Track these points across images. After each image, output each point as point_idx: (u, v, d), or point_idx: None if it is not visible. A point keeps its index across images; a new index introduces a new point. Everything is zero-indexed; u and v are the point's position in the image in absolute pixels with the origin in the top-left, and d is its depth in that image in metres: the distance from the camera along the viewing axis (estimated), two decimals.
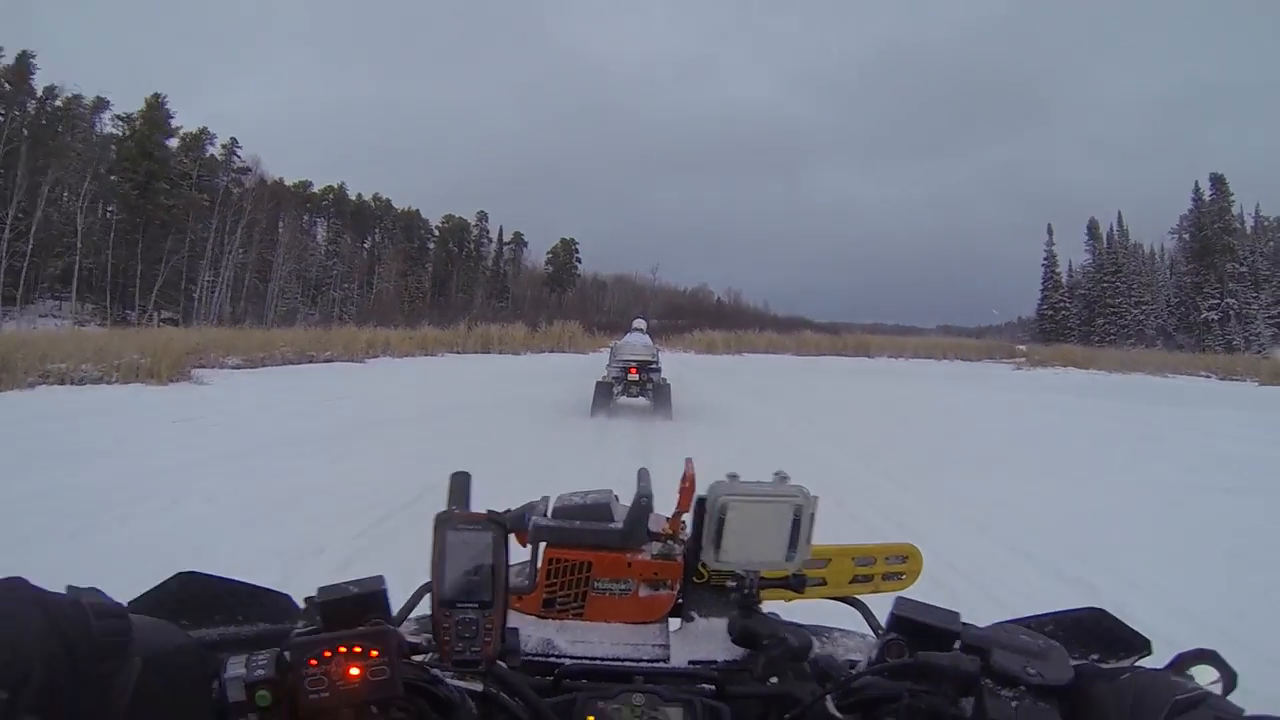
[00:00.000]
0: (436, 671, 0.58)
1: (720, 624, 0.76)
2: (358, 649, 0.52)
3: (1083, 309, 44.03)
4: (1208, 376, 24.94)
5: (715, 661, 0.73)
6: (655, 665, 0.74)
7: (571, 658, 0.75)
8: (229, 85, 71.37)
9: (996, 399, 14.29)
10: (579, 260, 59.58)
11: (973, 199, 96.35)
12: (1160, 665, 0.57)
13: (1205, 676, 0.55)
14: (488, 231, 57.75)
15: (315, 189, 49.85)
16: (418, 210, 55.56)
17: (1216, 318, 38.56)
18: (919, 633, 0.60)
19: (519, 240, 59.87)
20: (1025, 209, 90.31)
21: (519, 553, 0.83)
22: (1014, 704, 0.50)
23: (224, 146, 39.92)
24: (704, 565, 0.75)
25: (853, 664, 0.68)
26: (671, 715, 0.60)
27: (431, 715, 0.56)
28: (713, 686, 0.66)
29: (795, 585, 0.76)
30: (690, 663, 0.74)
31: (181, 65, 69.26)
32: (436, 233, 56.16)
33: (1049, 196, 77.20)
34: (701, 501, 0.70)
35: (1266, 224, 40.86)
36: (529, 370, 18.57)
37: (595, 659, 0.75)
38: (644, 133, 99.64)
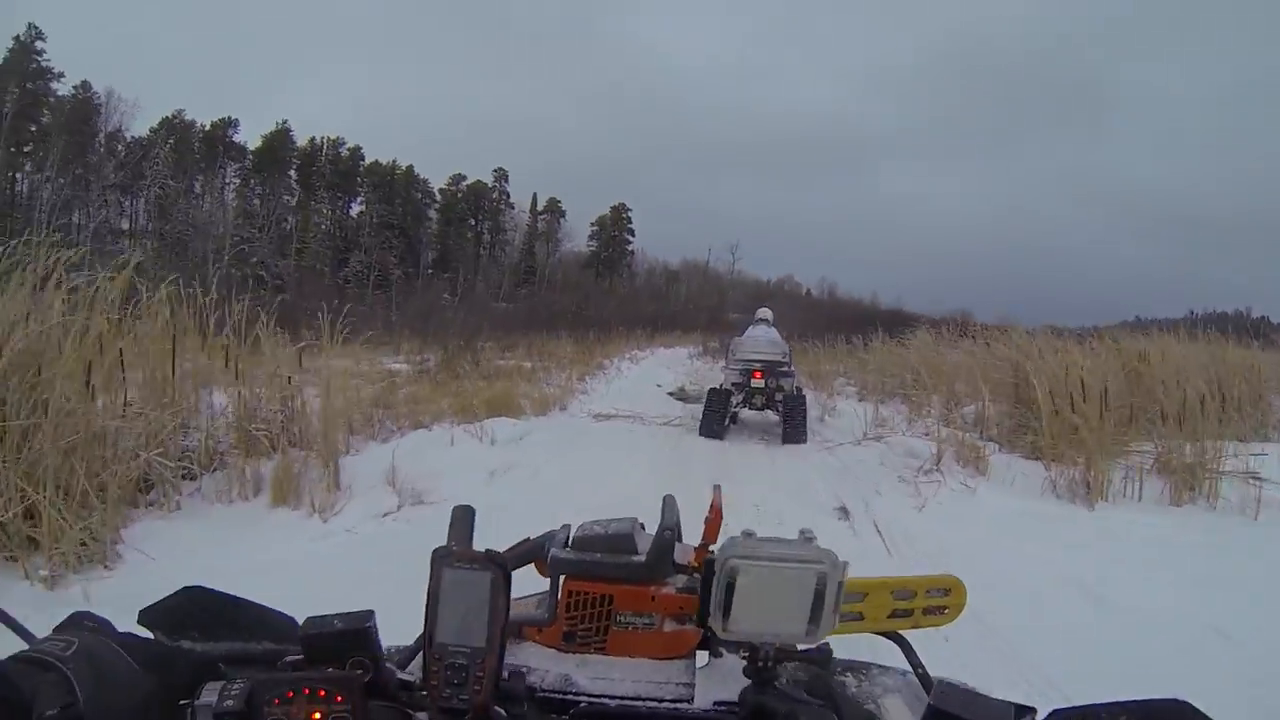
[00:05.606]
0: (422, 717, 0.56)
1: None
2: (322, 693, 0.51)
3: None
4: None
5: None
6: (677, 706, 0.70)
7: (590, 695, 0.72)
8: (286, 88, 66.49)
9: None
10: (632, 234, 44.44)
11: (1039, 196, 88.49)
12: None
13: None
14: (508, 196, 40.83)
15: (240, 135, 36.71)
16: (410, 167, 39.85)
17: None
18: None
19: (555, 209, 42.49)
20: (1091, 207, 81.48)
21: (540, 583, 0.82)
22: None
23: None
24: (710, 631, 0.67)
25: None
26: None
27: None
28: None
29: (819, 659, 0.66)
30: (715, 704, 0.69)
31: (236, 66, 64.87)
32: (439, 197, 41.02)
33: (1115, 194, 72.47)
34: (710, 563, 0.60)
35: None
36: None
37: (616, 697, 0.72)
38: (700, 128, 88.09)
